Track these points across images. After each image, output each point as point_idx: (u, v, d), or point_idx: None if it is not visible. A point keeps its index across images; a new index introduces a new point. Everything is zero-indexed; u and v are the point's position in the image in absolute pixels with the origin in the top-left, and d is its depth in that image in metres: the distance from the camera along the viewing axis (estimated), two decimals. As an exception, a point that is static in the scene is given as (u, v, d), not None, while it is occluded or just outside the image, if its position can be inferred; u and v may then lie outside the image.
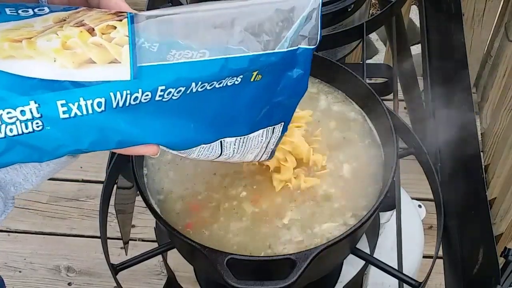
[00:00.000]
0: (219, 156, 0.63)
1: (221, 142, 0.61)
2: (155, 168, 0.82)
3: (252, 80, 0.56)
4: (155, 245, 0.87)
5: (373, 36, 2.25)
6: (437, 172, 0.96)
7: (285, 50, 0.56)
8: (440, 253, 0.93)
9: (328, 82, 0.90)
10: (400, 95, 1.16)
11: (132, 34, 0.50)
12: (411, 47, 1.37)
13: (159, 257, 0.96)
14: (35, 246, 1.84)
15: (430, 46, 1.18)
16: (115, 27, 0.51)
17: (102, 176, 0.91)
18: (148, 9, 1.14)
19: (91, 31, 0.50)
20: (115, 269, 0.82)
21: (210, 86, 0.54)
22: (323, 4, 1.06)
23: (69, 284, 1.78)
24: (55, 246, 1.84)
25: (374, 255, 0.90)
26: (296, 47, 0.57)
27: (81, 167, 1.97)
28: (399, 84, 1.26)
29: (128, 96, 0.50)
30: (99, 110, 0.49)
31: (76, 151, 0.52)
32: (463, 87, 0.95)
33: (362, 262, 0.94)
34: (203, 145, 0.60)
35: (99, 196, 0.89)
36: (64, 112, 0.48)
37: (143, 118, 0.52)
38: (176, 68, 0.51)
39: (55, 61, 0.48)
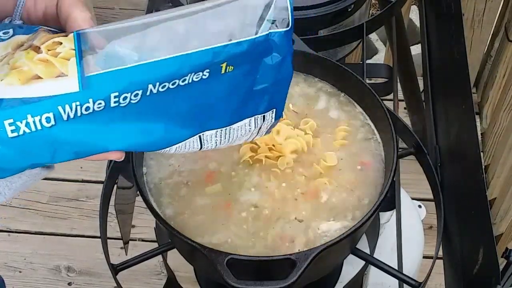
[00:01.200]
0: (199, 149, 0.62)
1: (200, 136, 0.60)
2: (156, 168, 0.82)
3: (223, 72, 0.55)
4: (155, 245, 0.87)
5: (373, 36, 2.24)
6: (437, 172, 0.96)
7: (254, 37, 0.55)
8: (440, 253, 0.93)
9: (327, 82, 0.90)
10: (400, 95, 1.16)
11: (78, 46, 0.50)
12: (411, 47, 1.37)
13: (159, 257, 0.96)
14: (35, 246, 1.84)
15: (430, 46, 1.18)
16: (61, 43, 0.51)
17: (102, 176, 0.91)
18: (148, 9, 1.14)
19: (37, 49, 0.50)
20: (115, 269, 0.82)
21: (172, 85, 0.53)
22: (323, 4, 1.07)
23: (69, 284, 1.78)
24: (55, 246, 1.84)
25: (374, 255, 0.90)
26: (267, 32, 0.56)
27: (81, 167, 1.97)
28: (399, 84, 1.26)
29: (78, 107, 0.49)
30: (48, 125, 0.49)
31: (35, 165, 0.52)
32: (463, 87, 0.95)
33: (362, 262, 0.94)
34: (179, 144, 0.59)
35: (99, 196, 0.89)
36: (12, 131, 0.48)
37: (100, 126, 0.52)
38: (128, 73, 0.50)
39: (1, 80, 0.48)
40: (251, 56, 0.56)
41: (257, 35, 0.55)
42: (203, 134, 0.60)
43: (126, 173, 0.93)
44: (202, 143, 0.61)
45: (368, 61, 1.98)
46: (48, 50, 0.50)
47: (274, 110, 0.63)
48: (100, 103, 0.50)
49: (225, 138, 0.62)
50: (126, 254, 0.95)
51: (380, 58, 2.20)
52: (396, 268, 0.84)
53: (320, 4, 1.06)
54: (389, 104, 0.92)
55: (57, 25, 0.57)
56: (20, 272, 1.80)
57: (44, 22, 0.58)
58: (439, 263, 0.94)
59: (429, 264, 0.83)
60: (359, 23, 1.08)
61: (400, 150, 0.83)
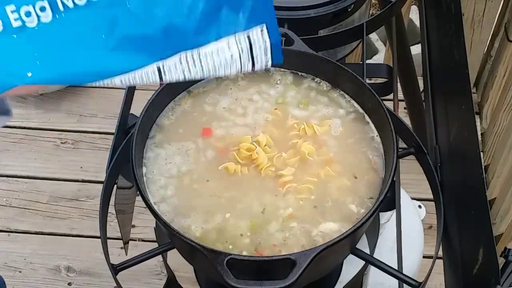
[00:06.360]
0: (159, 81, 0.48)
1: (158, 68, 0.47)
2: (156, 168, 0.82)
3: None
4: (155, 245, 0.87)
5: (373, 36, 2.25)
6: (437, 172, 0.96)
7: None
8: (440, 253, 0.93)
9: (328, 82, 0.90)
10: (400, 95, 1.16)
11: None
12: (411, 47, 1.37)
13: (159, 257, 0.96)
14: (35, 246, 1.84)
15: (430, 46, 1.18)
16: None
17: (102, 176, 0.91)
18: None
19: None
20: (115, 269, 0.82)
21: None
22: (323, 4, 1.07)
23: (69, 284, 1.78)
24: (55, 246, 1.84)
25: (374, 255, 0.90)
26: None
27: (81, 167, 1.97)
28: (399, 84, 1.26)
29: None
30: None
31: None
32: (463, 87, 0.95)
33: (362, 262, 0.94)
34: (122, 76, 0.47)
35: (99, 196, 0.89)
36: None
37: (3, 54, 0.44)
38: None
39: None
40: None
41: None
42: (162, 64, 0.47)
43: (126, 173, 0.93)
44: (162, 74, 0.48)
45: (368, 61, 1.98)
46: None
47: (264, 25, 0.48)
48: None
49: (195, 67, 0.48)
50: (126, 254, 0.95)
51: (380, 58, 2.20)
52: (396, 268, 0.84)
53: (320, 4, 1.06)
54: (389, 104, 0.92)
55: None
56: (20, 272, 1.80)
57: None
58: (439, 263, 0.94)
59: (429, 264, 0.83)
60: (359, 23, 1.08)
61: (400, 150, 0.83)
